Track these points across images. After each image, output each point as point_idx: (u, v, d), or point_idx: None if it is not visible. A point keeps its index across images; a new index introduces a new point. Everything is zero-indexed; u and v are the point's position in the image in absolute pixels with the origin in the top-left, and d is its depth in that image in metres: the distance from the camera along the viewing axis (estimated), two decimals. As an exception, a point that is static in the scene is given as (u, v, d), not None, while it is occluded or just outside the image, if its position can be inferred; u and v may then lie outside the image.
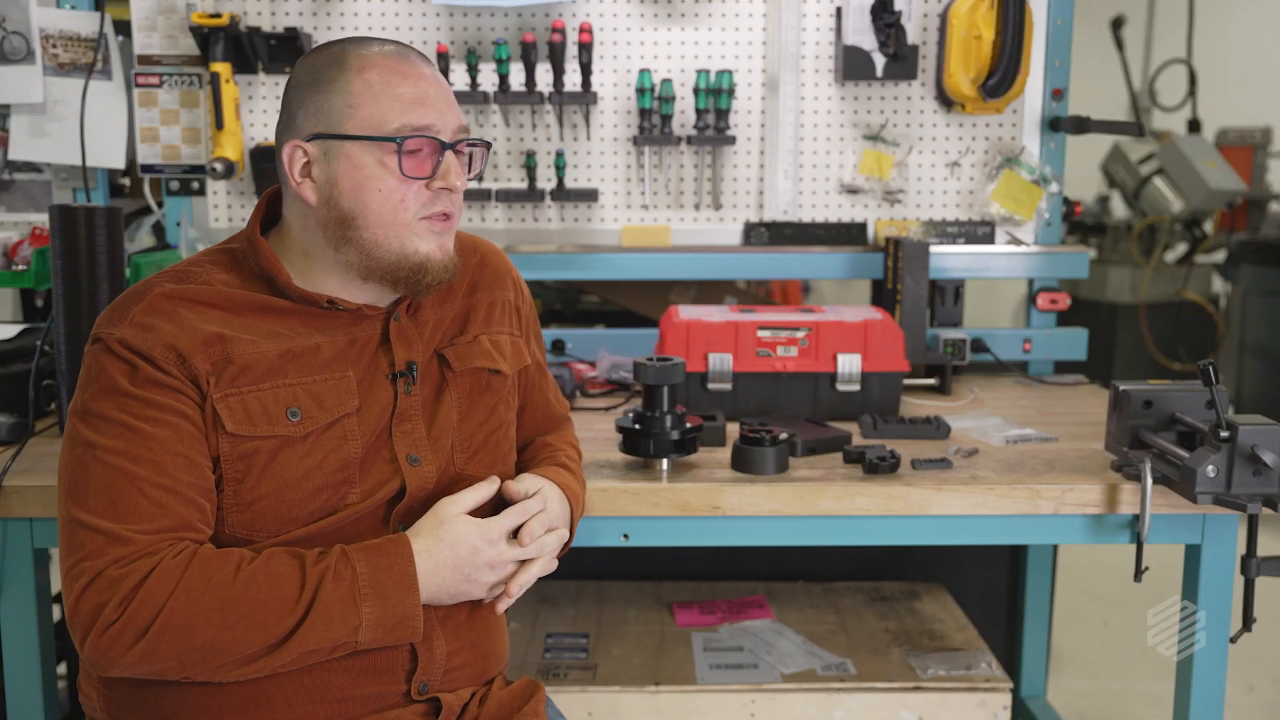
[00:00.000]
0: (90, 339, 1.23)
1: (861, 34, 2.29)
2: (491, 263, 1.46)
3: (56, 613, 2.39)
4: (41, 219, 2.32)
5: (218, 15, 2.18)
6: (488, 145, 1.37)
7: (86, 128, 2.25)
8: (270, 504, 1.23)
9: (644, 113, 2.30)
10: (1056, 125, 2.37)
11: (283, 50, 2.28)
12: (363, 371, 1.30)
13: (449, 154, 1.27)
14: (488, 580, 1.26)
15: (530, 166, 2.32)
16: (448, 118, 1.27)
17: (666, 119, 2.31)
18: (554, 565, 1.34)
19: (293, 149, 1.27)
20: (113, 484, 1.15)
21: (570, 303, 3.13)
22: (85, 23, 2.26)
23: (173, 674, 1.16)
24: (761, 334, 1.99)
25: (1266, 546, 1.54)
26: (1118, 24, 4.86)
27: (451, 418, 1.34)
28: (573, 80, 2.30)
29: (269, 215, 1.35)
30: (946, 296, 2.38)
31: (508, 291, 1.46)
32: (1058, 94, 2.38)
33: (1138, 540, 1.60)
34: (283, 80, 2.30)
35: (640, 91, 2.28)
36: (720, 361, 1.97)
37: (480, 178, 1.39)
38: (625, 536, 1.64)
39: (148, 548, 1.14)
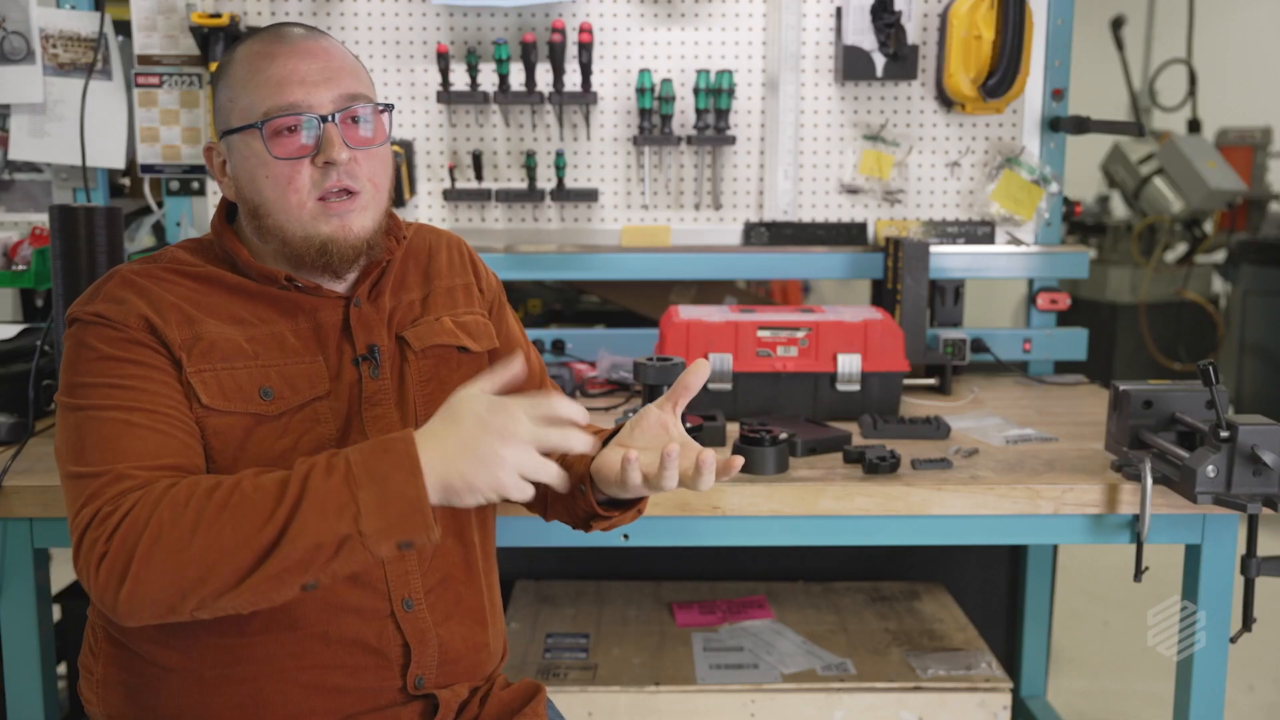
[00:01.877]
0: (67, 324, 1.25)
1: (861, 34, 2.29)
2: (444, 250, 1.45)
3: (56, 613, 2.39)
4: (41, 219, 2.32)
5: (218, 15, 2.18)
6: (388, 107, 1.31)
7: (86, 128, 2.25)
8: None
9: (644, 113, 2.30)
10: (1056, 125, 2.37)
11: (283, 50, 2.28)
12: (329, 358, 1.30)
13: (327, 127, 1.23)
14: (504, 457, 1.06)
15: (530, 166, 2.32)
16: (321, 90, 1.24)
17: (666, 119, 2.31)
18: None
19: (207, 151, 1.32)
20: (108, 434, 1.15)
21: (570, 303, 3.13)
22: (85, 23, 2.26)
23: (179, 604, 1.08)
24: (761, 334, 1.99)
25: (1266, 546, 1.54)
26: (1118, 24, 4.86)
27: (415, 402, 1.34)
28: (573, 80, 2.30)
29: (233, 209, 1.36)
30: (946, 296, 2.38)
31: (467, 276, 1.46)
32: (1058, 94, 2.38)
33: (1138, 540, 1.60)
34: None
35: (640, 91, 2.28)
36: (720, 361, 1.97)
37: (389, 140, 1.29)
38: (625, 536, 1.64)
39: (144, 481, 1.13)
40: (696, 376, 1.23)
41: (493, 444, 1.06)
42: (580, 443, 1.10)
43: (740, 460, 1.20)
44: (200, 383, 1.21)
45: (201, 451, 1.21)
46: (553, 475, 1.09)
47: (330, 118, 1.24)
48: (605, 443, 1.31)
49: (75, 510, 1.14)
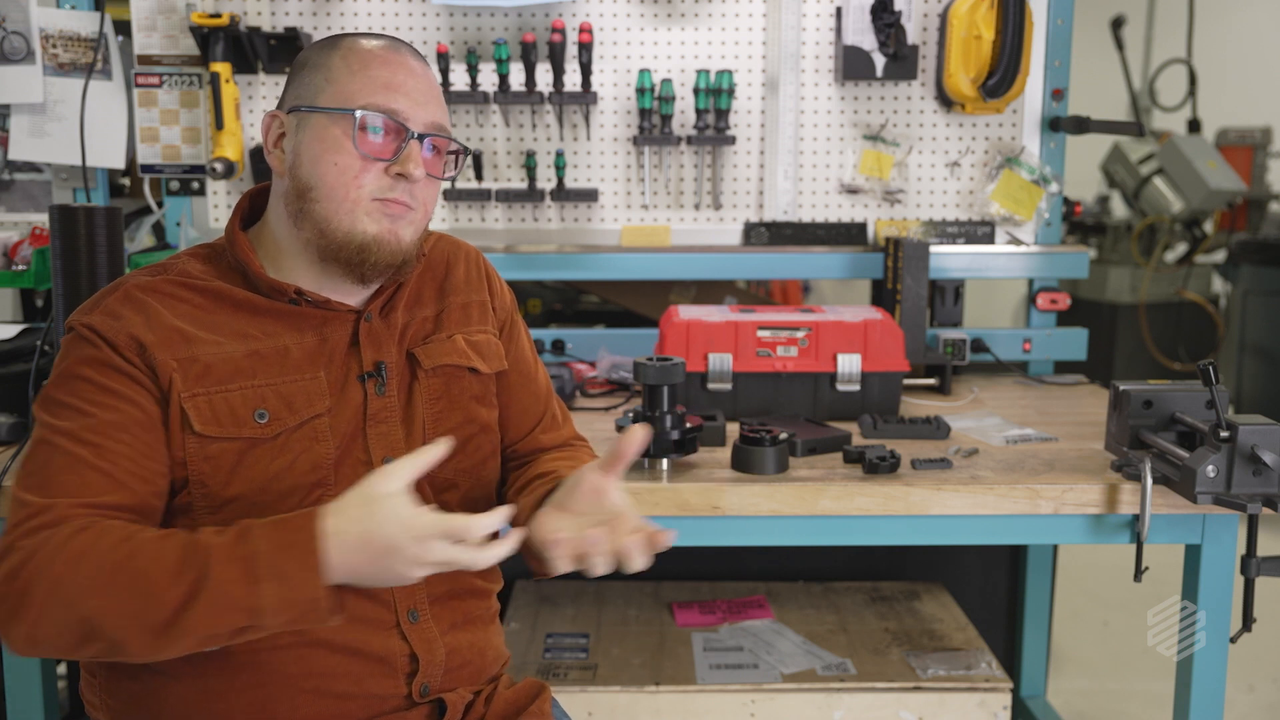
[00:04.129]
0: (65, 329, 1.25)
1: (861, 34, 2.30)
2: (461, 264, 1.45)
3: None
4: (41, 219, 2.32)
5: (218, 15, 2.18)
6: (466, 151, 1.36)
7: (86, 128, 2.25)
8: (243, 506, 1.21)
9: (644, 113, 2.30)
10: (1056, 125, 2.37)
11: (283, 50, 2.28)
12: (334, 373, 1.29)
13: (413, 143, 1.26)
14: (412, 575, 1.10)
15: (530, 166, 2.32)
16: (421, 110, 1.27)
17: (666, 119, 2.31)
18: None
19: (270, 119, 1.31)
20: (51, 461, 1.16)
21: (570, 303, 3.13)
22: (85, 23, 2.26)
23: (76, 652, 1.09)
24: (761, 334, 1.99)
25: (1266, 546, 1.54)
26: (1118, 24, 4.86)
27: (423, 420, 1.33)
28: (573, 80, 2.30)
29: (253, 213, 1.36)
30: (946, 296, 2.38)
31: (482, 293, 1.45)
32: (1058, 94, 2.38)
33: (1138, 540, 1.60)
34: (283, 80, 2.30)
35: (640, 91, 2.28)
36: (720, 361, 1.97)
37: (453, 181, 1.33)
38: (625, 536, 1.64)
39: (61, 518, 1.12)
40: (632, 443, 1.18)
41: (402, 569, 1.09)
42: (494, 557, 1.10)
43: (672, 535, 1.15)
44: (194, 408, 1.20)
45: (150, 489, 1.18)
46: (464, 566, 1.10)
47: (420, 137, 1.27)
48: (548, 494, 1.28)
49: (2, 532, 1.15)
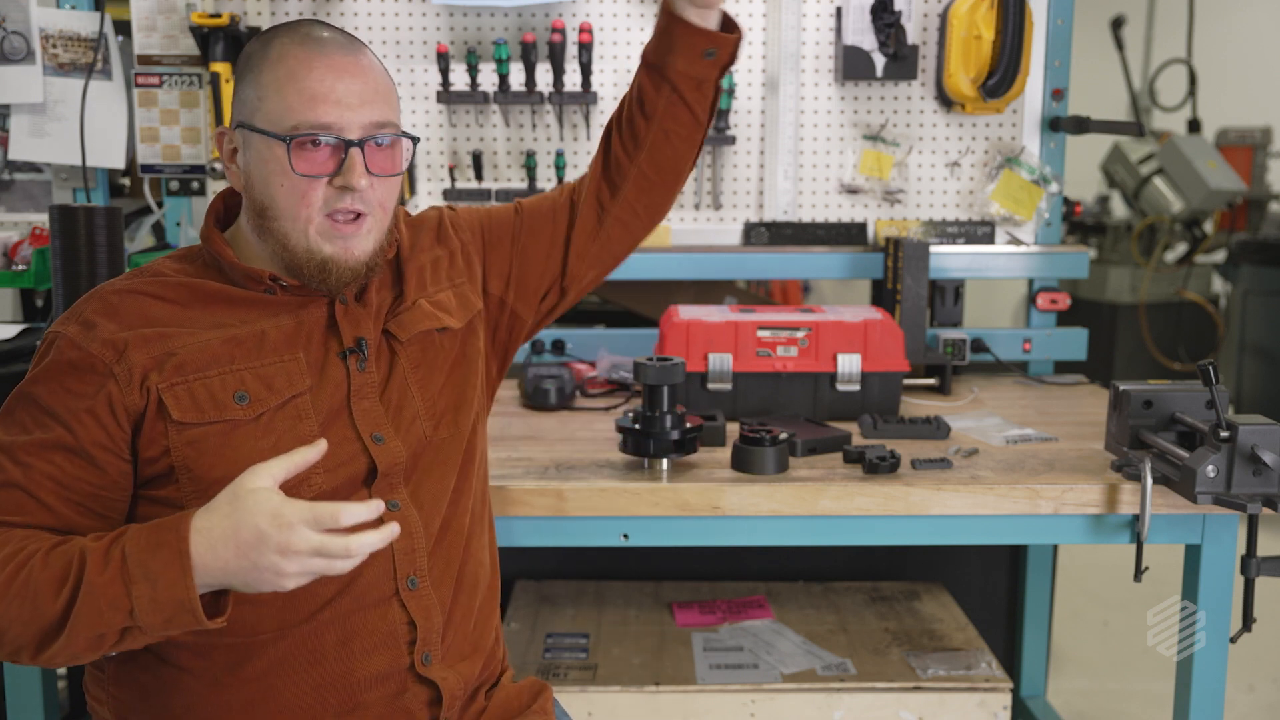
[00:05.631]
0: (43, 337, 1.27)
1: (861, 34, 2.29)
2: (410, 233, 1.44)
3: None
4: (41, 219, 2.32)
5: (218, 15, 2.18)
6: (413, 140, 1.32)
7: (86, 128, 2.25)
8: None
9: (644, 113, 2.29)
10: (1056, 125, 2.37)
11: (283, 50, 2.28)
12: (313, 353, 1.29)
13: (353, 152, 1.22)
14: (288, 570, 1.07)
15: (530, 166, 2.32)
16: (355, 114, 1.23)
17: (666, 119, 2.30)
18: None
19: (220, 135, 1.30)
20: None
21: (570, 303, 3.12)
22: (85, 23, 2.26)
23: None
24: (761, 334, 1.99)
25: (1266, 546, 1.54)
26: (1118, 24, 4.86)
27: (409, 389, 1.34)
28: (573, 80, 2.30)
29: (227, 214, 1.36)
30: (946, 296, 2.38)
31: (435, 250, 1.44)
32: (1058, 94, 2.38)
33: (1138, 540, 1.60)
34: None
35: (640, 91, 2.28)
36: (720, 361, 1.97)
37: (407, 171, 1.32)
38: (625, 536, 1.64)
39: None
40: None
41: (271, 559, 1.07)
42: (367, 545, 1.08)
43: None
44: (173, 398, 1.21)
45: (76, 511, 1.19)
46: (344, 569, 1.09)
47: (358, 143, 1.23)
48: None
49: None
